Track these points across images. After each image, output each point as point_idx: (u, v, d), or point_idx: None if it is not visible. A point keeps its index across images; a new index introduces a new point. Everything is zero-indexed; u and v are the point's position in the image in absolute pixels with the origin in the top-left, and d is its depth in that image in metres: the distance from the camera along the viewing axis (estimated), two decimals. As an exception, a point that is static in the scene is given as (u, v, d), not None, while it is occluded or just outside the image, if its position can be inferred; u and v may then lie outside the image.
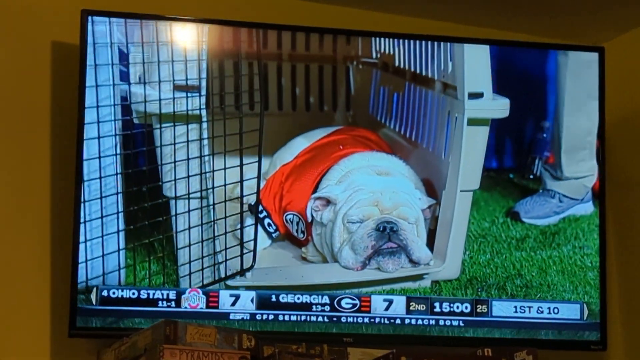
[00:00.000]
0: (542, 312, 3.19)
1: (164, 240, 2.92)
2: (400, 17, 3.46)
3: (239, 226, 2.96)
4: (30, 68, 3.06)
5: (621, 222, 3.53)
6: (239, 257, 2.98)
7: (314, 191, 3.02)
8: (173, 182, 2.86)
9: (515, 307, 3.18)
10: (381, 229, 2.97)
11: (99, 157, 2.84)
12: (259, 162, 2.95)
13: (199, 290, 2.99)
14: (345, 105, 3.13)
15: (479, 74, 3.04)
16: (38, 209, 3.00)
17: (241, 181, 2.94)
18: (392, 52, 3.13)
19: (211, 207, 2.91)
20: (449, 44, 3.12)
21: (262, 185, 2.99)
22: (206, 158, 2.89)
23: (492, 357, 2.91)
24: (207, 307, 2.99)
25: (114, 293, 2.95)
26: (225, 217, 2.92)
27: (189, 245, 2.93)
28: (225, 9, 3.25)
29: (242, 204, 2.94)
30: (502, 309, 3.17)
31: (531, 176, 3.24)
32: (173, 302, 2.98)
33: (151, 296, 2.97)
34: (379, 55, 3.14)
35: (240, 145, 2.91)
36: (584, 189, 3.26)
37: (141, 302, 2.96)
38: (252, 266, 3.00)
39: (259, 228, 3.01)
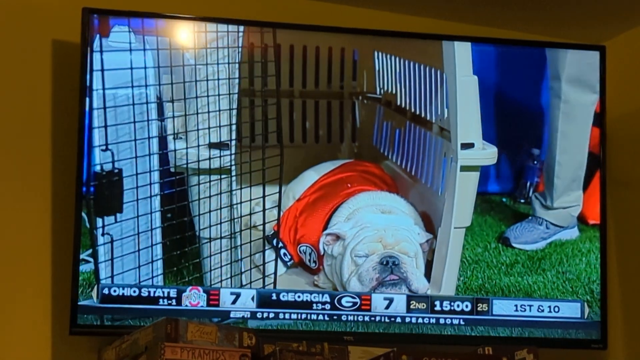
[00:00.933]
0: (542, 310, 3.20)
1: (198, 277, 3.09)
2: (398, 15, 3.47)
3: (261, 261, 3.18)
4: (30, 67, 3.06)
5: (621, 221, 3.53)
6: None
7: (325, 226, 3.21)
8: (208, 227, 3.10)
9: (516, 305, 3.19)
10: (384, 263, 3.16)
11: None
12: (279, 207, 3.18)
13: (200, 289, 3.00)
14: (352, 137, 3.30)
15: (471, 125, 3.21)
16: (39, 207, 3.01)
17: (264, 224, 3.17)
18: (394, 92, 3.29)
19: (239, 247, 3.13)
20: (445, 91, 3.20)
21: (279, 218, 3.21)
22: (235, 206, 3.13)
23: (493, 355, 2.91)
24: (208, 305, 3.00)
25: (115, 291, 2.95)
26: (251, 255, 3.14)
27: (221, 281, 3.08)
28: (226, 7, 3.26)
29: (264, 243, 3.17)
30: (503, 307, 3.18)
31: (522, 200, 3.35)
32: (174, 300, 2.99)
33: (152, 294, 2.98)
34: (382, 92, 3.30)
35: (264, 194, 3.15)
36: (571, 218, 3.35)
37: (142, 300, 2.97)
38: (271, 297, 3.15)
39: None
